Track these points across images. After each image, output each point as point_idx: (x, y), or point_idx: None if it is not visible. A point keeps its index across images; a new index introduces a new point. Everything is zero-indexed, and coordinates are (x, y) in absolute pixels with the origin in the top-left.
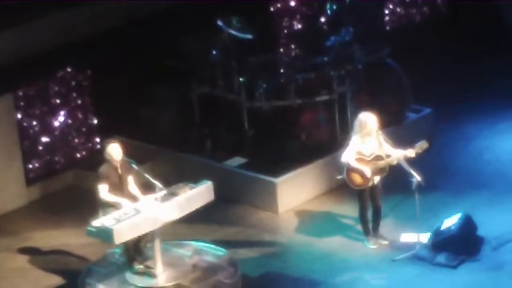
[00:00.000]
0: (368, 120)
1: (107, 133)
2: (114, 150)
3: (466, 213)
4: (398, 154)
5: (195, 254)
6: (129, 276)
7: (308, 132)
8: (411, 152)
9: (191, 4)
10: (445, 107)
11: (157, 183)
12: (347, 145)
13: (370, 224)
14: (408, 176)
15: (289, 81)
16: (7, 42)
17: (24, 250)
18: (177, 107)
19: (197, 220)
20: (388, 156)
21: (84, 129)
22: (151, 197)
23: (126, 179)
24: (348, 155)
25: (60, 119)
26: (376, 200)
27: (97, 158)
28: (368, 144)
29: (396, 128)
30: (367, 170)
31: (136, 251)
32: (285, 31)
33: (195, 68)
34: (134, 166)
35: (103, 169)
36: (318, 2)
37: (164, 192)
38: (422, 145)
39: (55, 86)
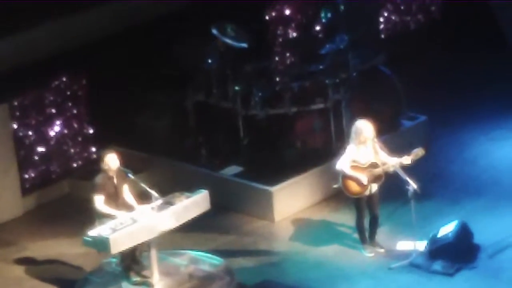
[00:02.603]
0: (364, 128)
1: (103, 142)
2: (111, 160)
3: (462, 221)
4: (394, 162)
5: (191, 263)
6: (125, 285)
7: (303, 140)
8: (407, 160)
9: (186, 12)
10: (440, 114)
11: (153, 193)
12: (343, 153)
13: (366, 232)
14: (404, 184)
15: (284, 89)
16: (2, 52)
17: (20, 260)
18: (172, 115)
19: (193, 229)
20: (384, 163)
21: (79, 139)
22: (147, 206)
23: (122, 188)
24: (343, 163)
25: (55, 128)
26: (373, 208)
27: (93, 167)
28: (364, 152)
29: (391, 136)
30: (363, 177)
31: (132, 260)
32: (280, 39)
33: (190, 76)
34: (130, 175)
35: (99, 179)
36: (313, 10)
37: (160, 201)
38: (418, 152)
39: (50, 95)
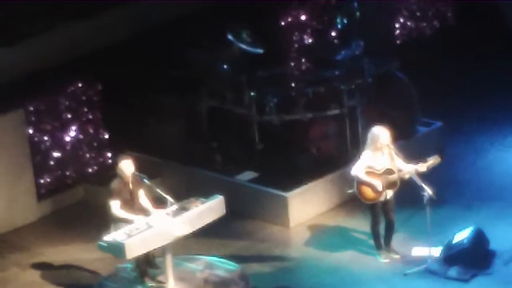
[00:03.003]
0: (380, 134)
1: (118, 147)
2: (126, 166)
3: (477, 227)
4: (410, 169)
5: (206, 269)
6: None
7: (318, 146)
8: (422, 167)
9: (201, 17)
10: (455, 120)
11: (168, 198)
12: (358, 158)
13: (382, 238)
14: (420, 190)
15: (299, 95)
16: (17, 57)
17: (35, 265)
18: (186, 120)
19: (208, 235)
20: (399, 170)
21: (95, 144)
22: (162, 211)
23: (137, 193)
24: (358, 169)
25: (71, 134)
26: (389, 214)
27: (108, 172)
28: (380, 158)
29: (406, 142)
30: (378, 183)
31: (148, 265)
32: (296, 45)
33: (205, 81)
34: (146, 180)
35: (114, 184)
36: (329, 16)
37: (175, 206)
38: (434, 160)
39: (65, 101)
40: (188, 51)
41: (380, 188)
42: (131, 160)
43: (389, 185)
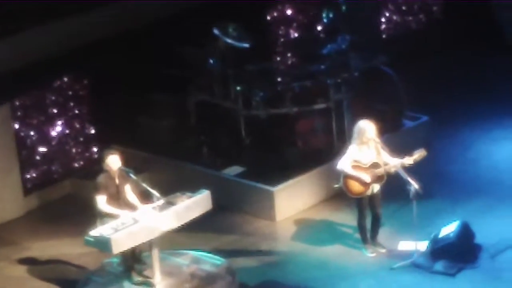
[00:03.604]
0: (366, 128)
1: (105, 142)
2: (113, 161)
3: (463, 221)
4: (396, 162)
5: (192, 263)
6: (127, 285)
7: (305, 140)
8: (408, 160)
9: (187, 13)
10: (441, 114)
11: (154, 193)
12: (344, 153)
13: (368, 232)
14: (406, 184)
15: (286, 89)
16: (3, 51)
17: (21, 260)
18: (174, 115)
19: (195, 229)
20: (385, 164)
21: (81, 139)
22: (149, 206)
23: (124, 188)
24: (344, 163)
25: (57, 128)
26: (375, 208)
27: (95, 167)
28: (366, 152)
29: (392, 136)
30: (365, 176)
31: (134, 260)
32: (282, 39)
33: (192, 76)
34: (132, 175)
35: (101, 179)
36: (315, 10)
37: (162, 201)
38: (420, 153)
39: (52, 95)
40: (176, 47)
41: (368, 180)
42: (118, 155)
43: (376, 179)
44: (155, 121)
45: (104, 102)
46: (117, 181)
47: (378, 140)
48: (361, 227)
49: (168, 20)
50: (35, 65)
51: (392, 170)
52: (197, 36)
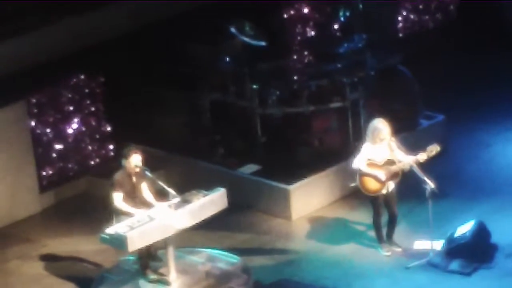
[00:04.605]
0: (381, 127)
1: (120, 140)
2: (136, 160)
3: (479, 220)
4: (410, 159)
5: (208, 261)
6: (142, 283)
7: (320, 139)
8: (422, 156)
9: (203, 10)
10: (457, 114)
11: (170, 191)
12: (359, 151)
13: (383, 231)
14: (422, 183)
15: (302, 88)
16: (19, 49)
17: (37, 257)
18: (189, 113)
19: (210, 227)
20: (400, 162)
21: (97, 136)
22: (164, 204)
23: (140, 186)
24: (360, 161)
25: (73, 126)
26: (391, 207)
27: (111, 165)
28: (380, 151)
29: (408, 135)
30: (381, 174)
31: (149, 258)
32: (298, 37)
33: (207, 74)
34: (148, 173)
35: (117, 176)
36: (331, 9)
37: (177, 199)
38: (433, 148)
39: (68, 93)
40: (192, 45)
41: (383, 177)
42: (140, 154)
43: (391, 176)
44: (170, 119)
45: (120, 100)
46: (134, 179)
47: (392, 138)
48: (376, 226)
49: (183, 17)
50: (51, 63)
51: (407, 167)
52: (213, 33)
